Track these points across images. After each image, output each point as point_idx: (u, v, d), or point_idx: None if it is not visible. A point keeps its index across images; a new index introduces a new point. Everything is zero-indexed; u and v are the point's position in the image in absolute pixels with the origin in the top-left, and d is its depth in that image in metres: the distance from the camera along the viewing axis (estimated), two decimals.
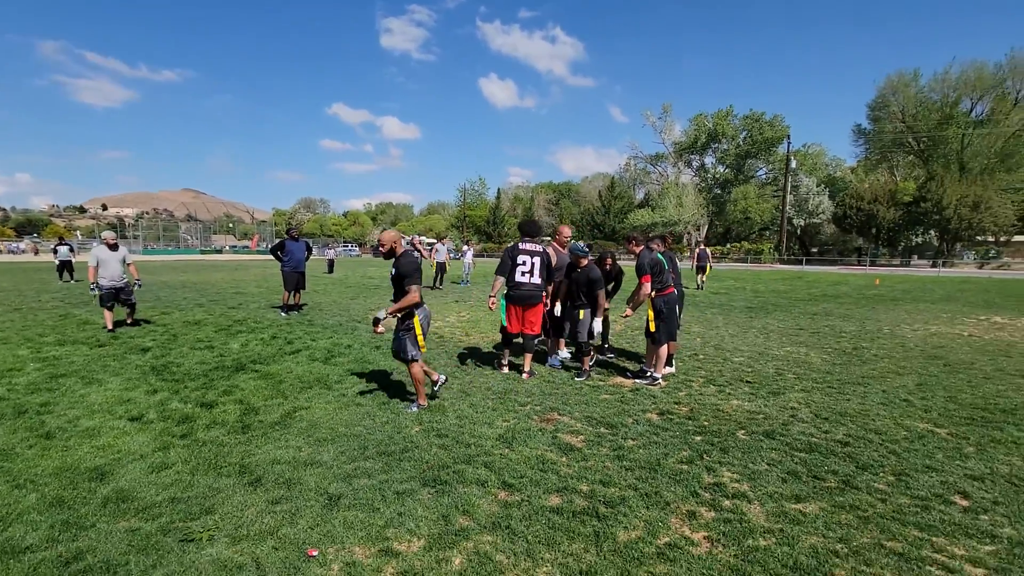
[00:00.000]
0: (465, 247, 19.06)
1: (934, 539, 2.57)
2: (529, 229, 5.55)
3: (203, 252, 54.61)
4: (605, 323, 6.72)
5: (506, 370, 5.60)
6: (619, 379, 5.52)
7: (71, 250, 17.54)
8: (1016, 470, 3.35)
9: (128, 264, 8.24)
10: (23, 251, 51.05)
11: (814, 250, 48.77)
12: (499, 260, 5.54)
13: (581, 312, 5.50)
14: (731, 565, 2.36)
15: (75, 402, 4.50)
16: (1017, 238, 43.48)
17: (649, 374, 5.38)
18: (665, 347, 5.32)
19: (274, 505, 2.83)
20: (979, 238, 39.60)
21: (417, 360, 4.37)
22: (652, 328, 5.23)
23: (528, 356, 5.54)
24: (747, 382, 5.42)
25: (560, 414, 4.37)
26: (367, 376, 5.51)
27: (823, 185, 46.83)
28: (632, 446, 3.70)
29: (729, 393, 5.03)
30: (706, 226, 52.18)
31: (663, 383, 5.30)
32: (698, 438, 3.87)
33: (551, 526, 2.66)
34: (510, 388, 5.10)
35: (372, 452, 3.54)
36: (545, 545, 2.50)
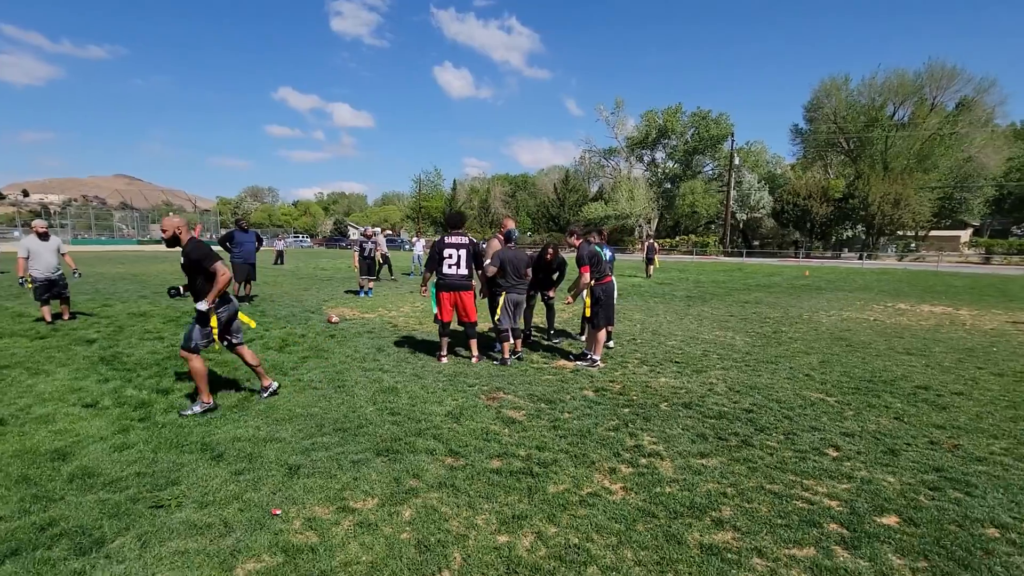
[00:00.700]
0: (415, 238, 19.34)
1: (805, 481, 3.13)
2: (453, 221, 5.86)
3: (140, 243, 51.64)
4: (550, 310, 7.19)
5: (445, 360, 5.86)
6: (562, 362, 5.98)
7: None
8: (881, 428, 4.01)
9: (63, 254, 7.95)
10: None
11: (756, 243, 51.55)
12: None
13: (500, 298, 5.91)
14: (639, 507, 2.82)
15: (23, 392, 4.51)
16: (934, 232, 47.60)
17: (589, 356, 5.86)
18: (603, 331, 5.82)
19: (237, 476, 3.08)
20: (900, 232, 43.01)
21: (198, 352, 4.04)
22: (589, 314, 5.71)
23: (473, 341, 5.89)
24: (676, 362, 6.00)
25: (505, 393, 4.77)
26: (322, 363, 5.71)
27: (764, 181, 49.48)
28: (567, 418, 4.14)
29: (659, 372, 5.59)
30: (656, 219, 54.01)
31: (601, 364, 5.79)
32: (626, 410, 4.36)
33: (490, 483, 3.05)
34: (460, 371, 5.45)
35: (329, 429, 3.81)
36: (485, 498, 2.89)
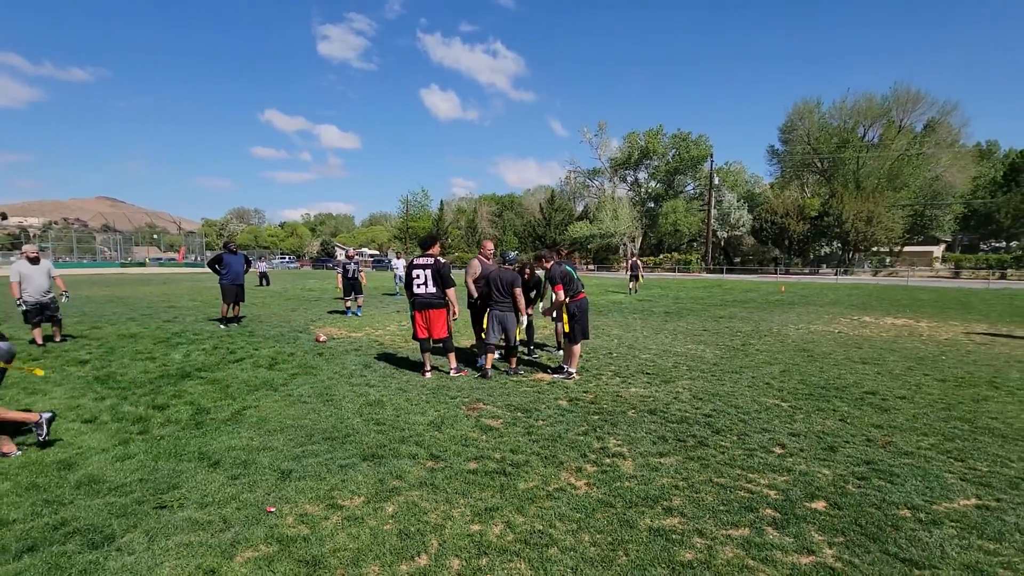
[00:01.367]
0: (396, 259, 19.56)
1: (749, 475, 3.49)
2: (423, 243, 6.20)
3: (124, 265, 51.18)
4: (530, 327, 7.54)
5: (429, 375, 6.14)
6: (540, 375, 6.32)
7: None
8: (825, 428, 4.40)
9: (53, 277, 8.15)
10: None
11: (737, 260, 52.70)
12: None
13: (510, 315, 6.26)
14: (599, 499, 3.15)
15: (22, 410, 4.71)
16: (908, 248, 49.21)
17: (566, 369, 6.21)
18: (579, 345, 6.18)
19: (234, 480, 3.35)
20: (875, 249, 44.42)
21: None
22: (567, 329, 6.08)
23: (451, 355, 6.22)
24: (647, 373, 6.37)
25: (484, 403, 5.08)
26: (311, 379, 5.98)
27: (743, 200, 50.89)
28: (541, 425, 4.47)
29: (630, 383, 5.95)
30: (640, 238, 55.05)
31: (577, 377, 6.14)
32: (596, 417, 4.70)
33: (467, 482, 3.36)
34: (443, 385, 5.76)
35: (318, 438, 4.09)
36: (461, 495, 3.19)
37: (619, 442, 4.09)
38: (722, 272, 43.18)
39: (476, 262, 6.59)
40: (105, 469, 3.48)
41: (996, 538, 2.72)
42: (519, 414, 4.77)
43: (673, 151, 55.38)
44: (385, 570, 2.44)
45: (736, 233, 50.61)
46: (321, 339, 8.52)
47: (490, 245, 6.63)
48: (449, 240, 64.30)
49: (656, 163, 56.51)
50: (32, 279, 7.80)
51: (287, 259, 67.52)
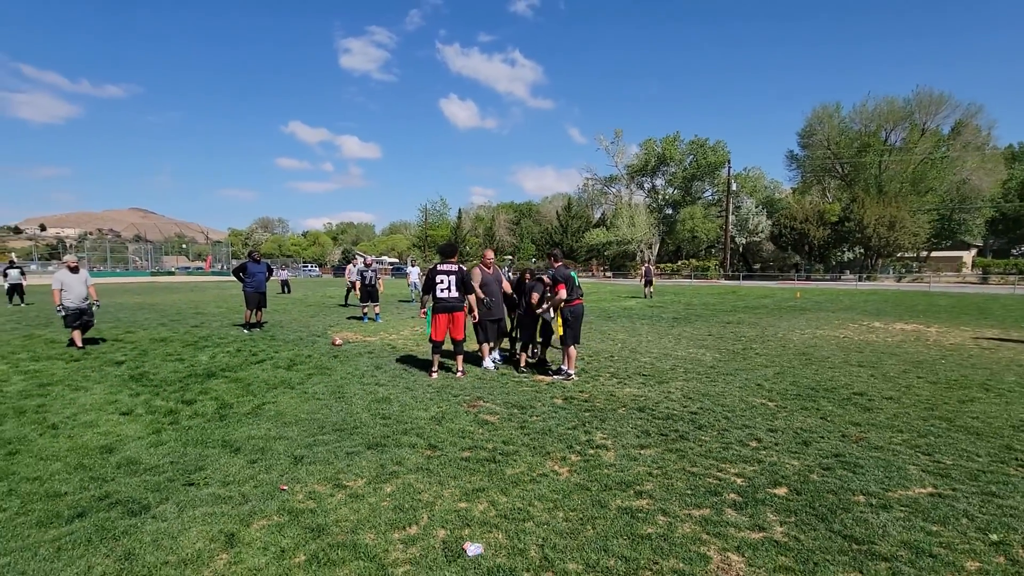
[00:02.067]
0: (410, 267, 19.40)
1: (722, 464, 3.76)
2: (444, 251, 6.66)
3: (154, 274, 53.15)
4: (545, 329, 7.86)
5: (436, 375, 6.51)
6: (540, 376, 6.63)
7: (22, 273, 17.42)
8: (805, 425, 4.63)
9: (89, 285, 8.77)
10: None
11: (756, 266, 52.13)
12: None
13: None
14: (578, 483, 3.46)
15: (67, 404, 5.24)
16: (936, 253, 48.02)
17: (564, 371, 6.52)
18: (574, 348, 6.49)
19: (252, 463, 3.76)
20: (899, 254, 43.49)
21: None
22: (561, 333, 6.40)
23: (459, 358, 6.59)
24: (643, 375, 6.64)
25: (484, 401, 5.43)
26: (326, 379, 6.40)
27: (761, 206, 50.38)
28: (534, 420, 4.79)
29: (625, 384, 6.22)
30: (657, 244, 54.86)
31: (575, 377, 6.44)
32: (587, 414, 5.00)
33: (459, 468, 3.70)
34: (448, 384, 6.13)
35: (328, 430, 4.49)
36: (453, 479, 3.54)
37: (605, 436, 4.38)
38: (740, 279, 42.79)
39: (477, 271, 6.96)
40: (141, 453, 3.93)
41: (941, 521, 2.95)
42: (515, 411, 5.10)
43: (690, 157, 55.18)
44: (380, 537, 2.79)
45: (755, 239, 50.08)
46: (337, 343, 8.98)
47: (490, 254, 7.01)
48: (467, 248, 65.05)
49: (673, 170, 56.35)
50: (72, 287, 8.45)
51: (309, 267, 69.13)
